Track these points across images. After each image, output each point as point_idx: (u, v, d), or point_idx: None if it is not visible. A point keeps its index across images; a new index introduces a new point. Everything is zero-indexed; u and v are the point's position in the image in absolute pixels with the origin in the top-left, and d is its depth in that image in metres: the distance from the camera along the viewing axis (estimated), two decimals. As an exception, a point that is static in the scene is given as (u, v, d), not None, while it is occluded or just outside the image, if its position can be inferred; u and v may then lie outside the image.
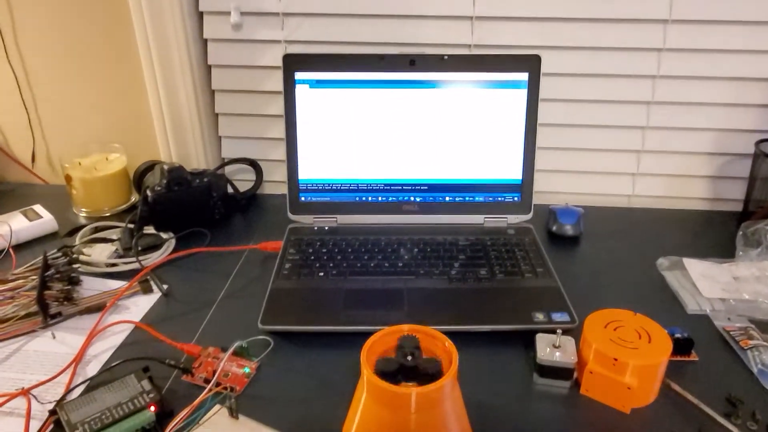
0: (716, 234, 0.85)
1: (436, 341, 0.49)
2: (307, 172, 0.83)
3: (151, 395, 0.53)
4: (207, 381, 0.57)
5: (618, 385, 0.53)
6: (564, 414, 0.54)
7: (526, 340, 0.62)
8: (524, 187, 0.83)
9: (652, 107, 0.89)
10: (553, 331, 0.58)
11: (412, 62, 0.79)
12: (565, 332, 0.59)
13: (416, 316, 0.64)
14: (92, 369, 0.60)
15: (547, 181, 0.95)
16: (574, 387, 0.57)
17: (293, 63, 0.79)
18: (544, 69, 0.79)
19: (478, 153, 0.82)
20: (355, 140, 0.81)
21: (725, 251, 0.80)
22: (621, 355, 0.53)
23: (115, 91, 0.96)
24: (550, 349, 0.57)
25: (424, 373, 0.46)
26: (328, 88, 0.80)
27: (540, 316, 0.64)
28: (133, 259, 0.76)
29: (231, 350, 0.57)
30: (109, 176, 0.90)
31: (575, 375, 0.57)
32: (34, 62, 0.95)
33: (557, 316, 0.64)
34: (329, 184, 0.83)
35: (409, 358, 0.47)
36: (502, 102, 0.80)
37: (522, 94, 0.80)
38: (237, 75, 0.92)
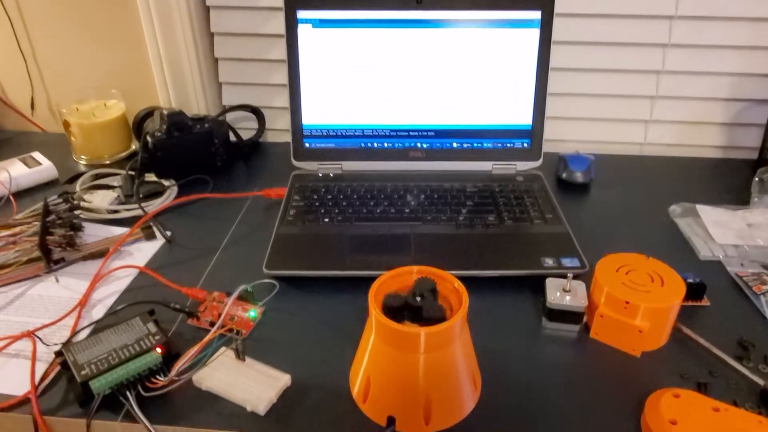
0: (730, 181, 0.83)
1: (445, 282, 0.48)
2: (311, 117, 0.80)
3: (157, 337, 0.52)
4: (213, 325, 0.56)
5: (629, 328, 0.53)
6: (573, 357, 0.54)
7: (535, 286, 0.61)
8: (534, 133, 0.80)
9: (668, 50, 0.86)
10: (562, 276, 0.57)
11: (418, 0, 0.75)
12: (575, 278, 0.58)
13: (423, 261, 0.62)
14: (97, 313, 0.59)
15: (556, 129, 0.92)
16: (583, 331, 0.56)
17: (295, 1, 0.76)
18: (557, 8, 0.75)
19: (487, 97, 0.79)
20: (360, 83, 0.79)
21: (739, 199, 0.78)
22: (633, 298, 0.52)
23: (112, 36, 0.93)
24: (560, 293, 0.56)
25: (427, 317, 0.45)
26: (331, 27, 0.76)
27: (549, 262, 0.63)
28: (135, 205, 0.74)
29: (236, 293, 0.56)
30: (108, 122, 0.88)
31: (585, 319, 0.56)
32: (30, 9, 0.92)
33: (567, 262, 0.63)
34: (334, 130, 0.81)
35: (418, 298, 0.46)
36: (512, 42, 0.77)
37: (534, 34, 0.76)
38: (236, 16, 0.88)
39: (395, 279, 0.49)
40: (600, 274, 0.55)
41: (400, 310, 0.45)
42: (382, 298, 0.47)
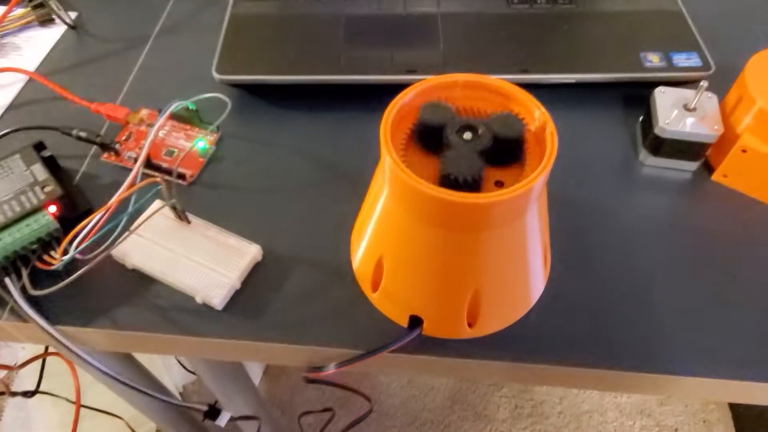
0: None
1: (511, 104, 0.27)
2: None
3: (49, 188, 0.33)
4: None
5: (787, 169, 0.34)
6: (686, 209, 0.36)
7: (630, 98, 0.41)
8: None
9: None
10: (675, 83, 0.37)
11: None
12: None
13: (459, 59, 0.41)
14: (-34, 144, 0.40)
15: None
16: (702, 170, 0.37)
17: None
18: None
19: None
20: None
21: None
22: (809, 124, 0.32)
23: None
24: (679, 112, 0.35)
25: (497, 140, 0.26)
26: None
27: (653, 59, 0.41)
28: (18, -29, 0.49)
29: (168, 110, 0.35)
30: None
31: (707, 153, 0.37)
32: None
33: (681, 59, 0.41)
34: None
35: (468, 135, 0.26)
36: None
37: None
38: None
39: (424, 97, 0.28)
40: (752, 79, 0.34)
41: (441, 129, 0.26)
42: (402, 136, 0.27)
